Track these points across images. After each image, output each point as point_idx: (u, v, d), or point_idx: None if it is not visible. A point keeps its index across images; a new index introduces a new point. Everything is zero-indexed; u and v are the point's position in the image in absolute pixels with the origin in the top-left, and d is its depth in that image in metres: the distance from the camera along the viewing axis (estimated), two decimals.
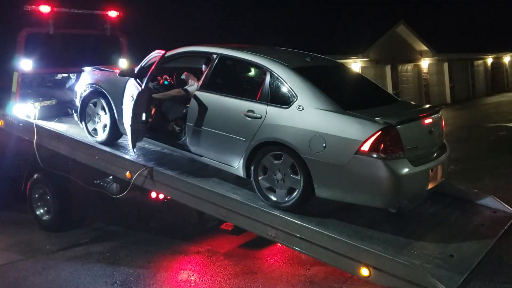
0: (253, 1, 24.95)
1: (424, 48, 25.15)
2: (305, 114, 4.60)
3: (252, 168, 4.90)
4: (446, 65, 27.75)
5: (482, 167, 10.00)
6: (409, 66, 25.38)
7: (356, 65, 21.03)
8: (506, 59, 34.46)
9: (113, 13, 8.41)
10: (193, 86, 6.03)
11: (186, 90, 6.11)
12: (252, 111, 4.89)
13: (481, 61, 31.84)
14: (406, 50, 24.86)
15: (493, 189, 7.33)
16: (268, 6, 25.13)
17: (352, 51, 21.17)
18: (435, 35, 25.68)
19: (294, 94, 4.72)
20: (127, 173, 5.84)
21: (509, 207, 5.41)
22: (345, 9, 27.58)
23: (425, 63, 25.92)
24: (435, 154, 4.91)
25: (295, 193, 4.66)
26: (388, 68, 23.64)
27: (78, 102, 6.64)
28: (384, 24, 23.49)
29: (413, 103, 5.95)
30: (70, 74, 8.45)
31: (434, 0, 35.02)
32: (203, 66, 5.88)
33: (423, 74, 26.00)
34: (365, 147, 4.26)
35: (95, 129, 6.42)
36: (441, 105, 5.33)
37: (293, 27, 22.23)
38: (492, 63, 32.81)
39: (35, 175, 7.52)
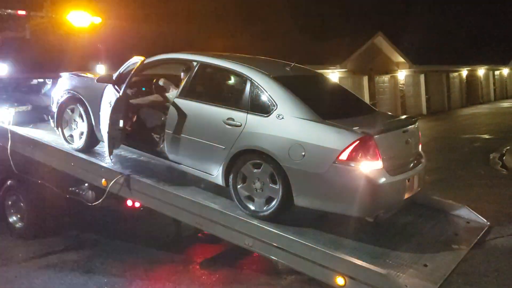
0: (234, 10, 25.05)
1: (401, 59, 25.58)
2: (284, 122, 4.63)
3: (231, 177, 4.89)
4: (422, 76, 28.27)
5: (457, 177, 10.18)
6: (386, 77, 25.76)
7: (334, 75, 21.25)
8: (480, 72, 35.28)
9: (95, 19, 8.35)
10: (172, 93, 6.00)
11: (164, 97, 6.08)
12: (232, 119, 4.89)
13: (456, 74, 32.53)
14: (383, 61, 25.24)
15: (466, 199, 7.44)
16: (247, 15, 25.26)
17: (331, 62, 21.41)
18: (412, 47, 26.18)
19: (274, 103, 4.75)
20: (103, 180, 5.76)
21: (482, 218, 5.52)
22: (324, 20, 27.91)
23: (401, 75, 26.34)
24: (412, 164, 4.99)
25: (273, 202, 4.67)
26: (365, 79, 23.95)
27: (54, 108, 6.55)
28: (362, 35, 23.84)
29: (390, 113, 6.04)
30: (46, 80, 8.33)
31: (411, 13, 35.71)
32: (182, 74, 5.86)
33: (400, 85, 26.41)
34: (343, 156, 4.30)
35: (71, 136, 6.33)
36: (417, 116, 5.42)
37: (272, 36, 22.36)
38: (467, 76, 33.55)
39: (9, 182, 7.37)
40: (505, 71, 39.88)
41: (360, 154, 4.32)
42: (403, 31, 27.35)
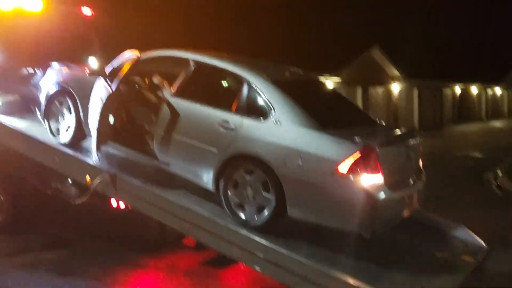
0: (232, 13, 24.91)
1: (396, 73, 25.63)
2: (282, 128, 4.41)
3: (222, 182, 4.66)
4: (416, 91, 28.34)
5: (451, 196, 10.03)
6: (380, 90, 25.77)
7: (328, 84, 21.15)
8: (473, 89, 35.53)
9: (86, 10, 8.10)
10: (166, 91, 5.76)
11: (158, 95, 5.84)
12: (227, 122, 4.66)
13: (449, 90, 32.71)
14: (378, 74, 25.25)
15: (462, 219, 7.29)
16: (243, 17, 25.11)
17: (326, 70, 21.30)
18: (408, 61, 26.24)
19: (272, 108, 4.53)
20: (88, 177, 5.50)
21: (480, 240, 5.32)
22: (322, 28, 27.84)
23: (395, 88, 26.37)
24: (412, 180, 4.78)
25: (265, 212, 4.44)
26: (359, 90, 23.92)
27: (42, 99, 6.29)
28: (358, 46, 23.80)
29: (391, 126, 5.85)
30: (36, 70, 8.06)
31: (408, 28, 35.89)
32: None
33: (393, 98, 26.43)
34: (343, 167, 4.09)
35: (58, 129, 6.08)
36: (419, 130, 5.23)
37: (267, 39, 22.22)
38: (460, 93, 33.75)
39: None
40: (497, 90, 40.23)
41: (360, 166, 4.10)
42: (400, 45, 27.44)
